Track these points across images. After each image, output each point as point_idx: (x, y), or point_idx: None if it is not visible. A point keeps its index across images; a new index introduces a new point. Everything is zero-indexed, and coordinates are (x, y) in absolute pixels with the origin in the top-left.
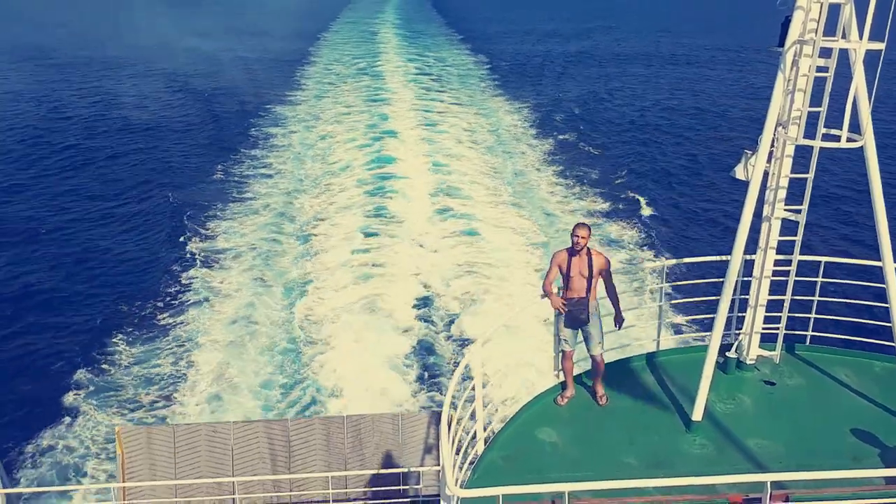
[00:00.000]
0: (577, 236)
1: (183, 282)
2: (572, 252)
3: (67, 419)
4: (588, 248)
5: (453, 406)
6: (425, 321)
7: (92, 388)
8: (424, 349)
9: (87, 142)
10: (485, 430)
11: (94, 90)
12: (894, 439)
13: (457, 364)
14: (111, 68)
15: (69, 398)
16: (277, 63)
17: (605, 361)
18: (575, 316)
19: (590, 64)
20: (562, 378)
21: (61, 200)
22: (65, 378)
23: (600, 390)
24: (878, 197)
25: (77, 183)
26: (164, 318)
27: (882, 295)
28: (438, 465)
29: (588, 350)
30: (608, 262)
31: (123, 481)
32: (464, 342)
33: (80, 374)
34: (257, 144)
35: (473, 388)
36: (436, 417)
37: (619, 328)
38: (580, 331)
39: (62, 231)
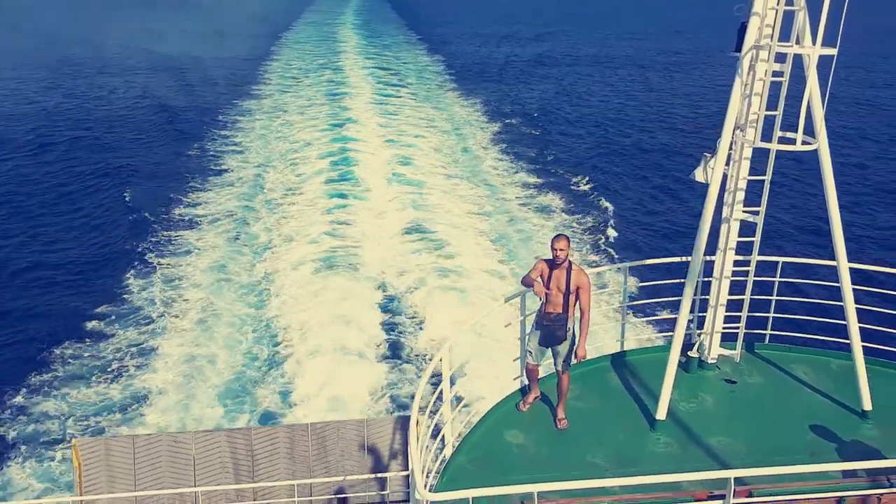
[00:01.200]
0: (555, 249)
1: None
2: (552, 265)
3: (21, 427)
4: (570, 263)
5: (421, 410)
6: (390, 315)
7: (48, 392)
8: (391, 350)
9: (72, 131)
10: (453, 433)
11: (78, 86)
12: (851, 434)
13: (425, 365)
14: (93, 66)
15: (23, 404)
16: (242, 61)
17: (572, 363)
18: (551, 332)
19: (547, 66)
20: (526, 382)
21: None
22: (18, 381)
23: (560, 413)
24: (832, 198)
25: (59, 160)
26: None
27: (837, 293)
28: (406, 469)
29: (554, 365)
30: (588, 282)
31: (81, 494)
32: (428, 341)
33: (36, 377)
34: (227, 126)
35: (441, 392)
36: (402, 422)
37: (576, 360)
38: (550, 348)
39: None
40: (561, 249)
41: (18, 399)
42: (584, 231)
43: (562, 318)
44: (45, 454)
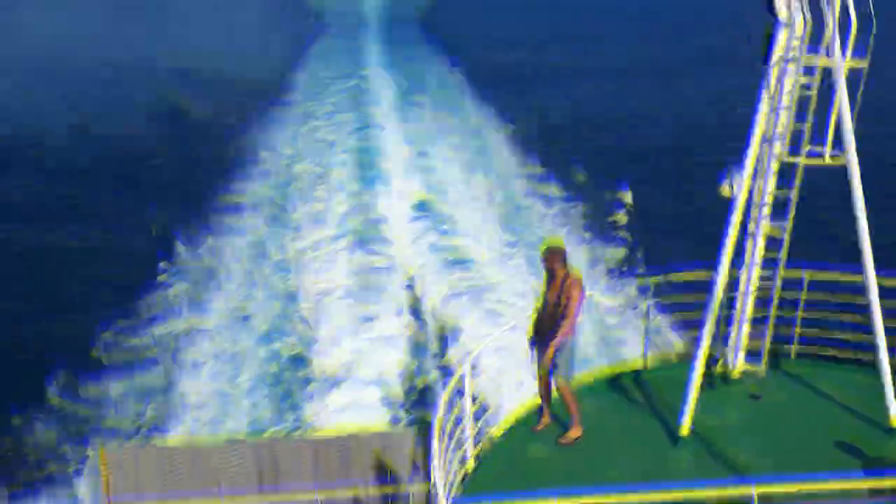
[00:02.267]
0: (543, 261)
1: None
2: (548, 275)
3: (47, 434)
4: (567, 273)
5: (442, 422)
6: (414, 319)
7: (76, 395)
8: (413, 363)
9: (113, 129)
10: (475, 445)
11: (120, 92)
12: (877, 451)
13: (447, 378)
14: (133, 75)
15: (49, 410)
16: (269, 72)
17: (594, 378)
18: (542, 341)
19: (572, 74)
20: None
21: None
22: (45, 384)
23: (575, 426)
24: (861, 213)
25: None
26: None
27: (864, 308)
28: (428, 481)
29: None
30: (578, 291)
31: (108, 502)
32: (451, 346)
33: (63, 380)
34: (257, 129)
35: (463, 404)
36: (424, 434)
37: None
38: None
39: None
40: (545, 261)
41: (45, 402)
42: (606, 243)
43: (553, 326)
44: (72, 462)
